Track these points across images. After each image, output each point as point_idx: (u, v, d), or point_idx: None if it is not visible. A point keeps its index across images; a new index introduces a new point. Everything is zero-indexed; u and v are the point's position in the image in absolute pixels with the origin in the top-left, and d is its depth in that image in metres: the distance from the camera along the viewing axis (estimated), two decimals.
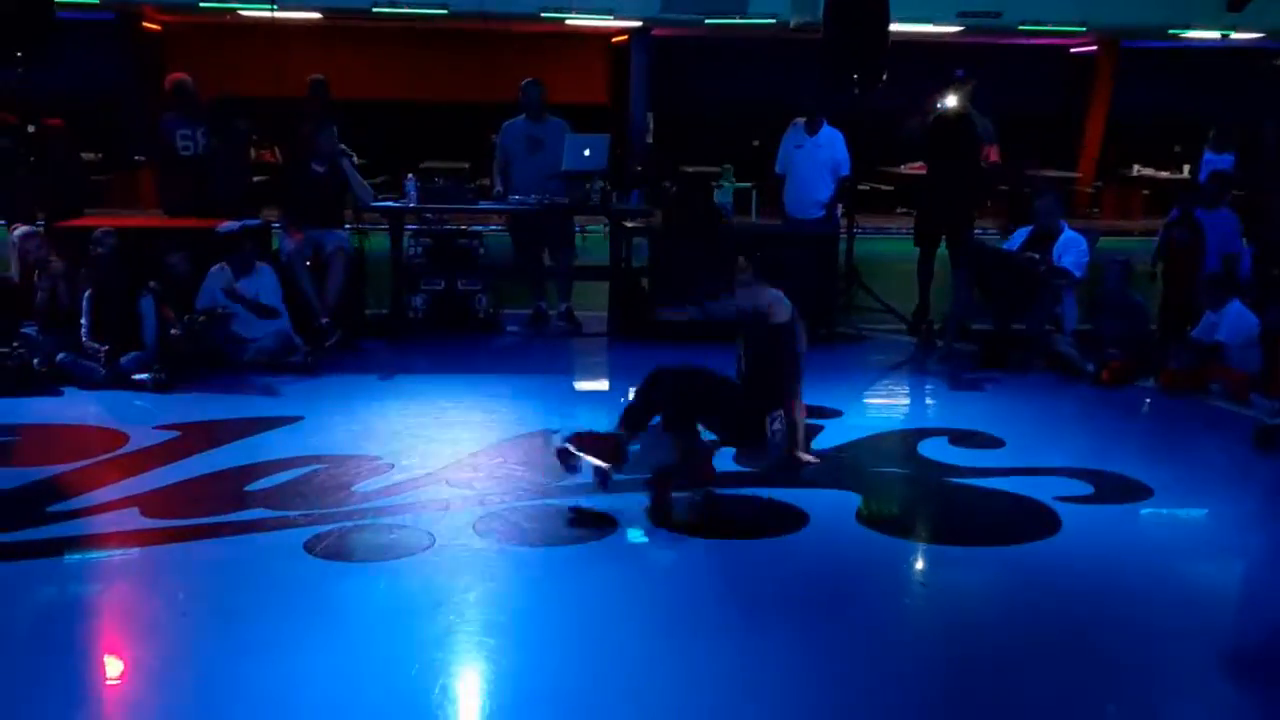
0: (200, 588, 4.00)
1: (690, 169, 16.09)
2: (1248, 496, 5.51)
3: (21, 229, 7.44)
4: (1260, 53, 16.62)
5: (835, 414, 6.37)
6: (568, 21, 15.92)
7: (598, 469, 4.85)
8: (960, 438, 5.96)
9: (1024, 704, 3.36)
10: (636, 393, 4.96)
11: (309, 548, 4.32)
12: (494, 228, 10.77)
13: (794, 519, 4.77)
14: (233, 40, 15.86)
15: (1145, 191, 17.26)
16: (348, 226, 8.30)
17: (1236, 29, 15.99)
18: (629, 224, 8.57)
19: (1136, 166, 17.66)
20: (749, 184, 15.24)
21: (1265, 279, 8.06)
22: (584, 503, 4.83)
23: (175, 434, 5.70)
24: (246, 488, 4.93)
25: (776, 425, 4.89)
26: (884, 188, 16.15)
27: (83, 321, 6.73)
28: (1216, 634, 3.96)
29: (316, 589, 4.03)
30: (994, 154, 17.54)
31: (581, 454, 4.87)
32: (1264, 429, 6.03)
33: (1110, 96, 18.04)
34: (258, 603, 3.89)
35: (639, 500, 4.82)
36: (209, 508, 4.69)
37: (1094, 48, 18.07)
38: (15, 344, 6.49)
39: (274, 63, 12.57)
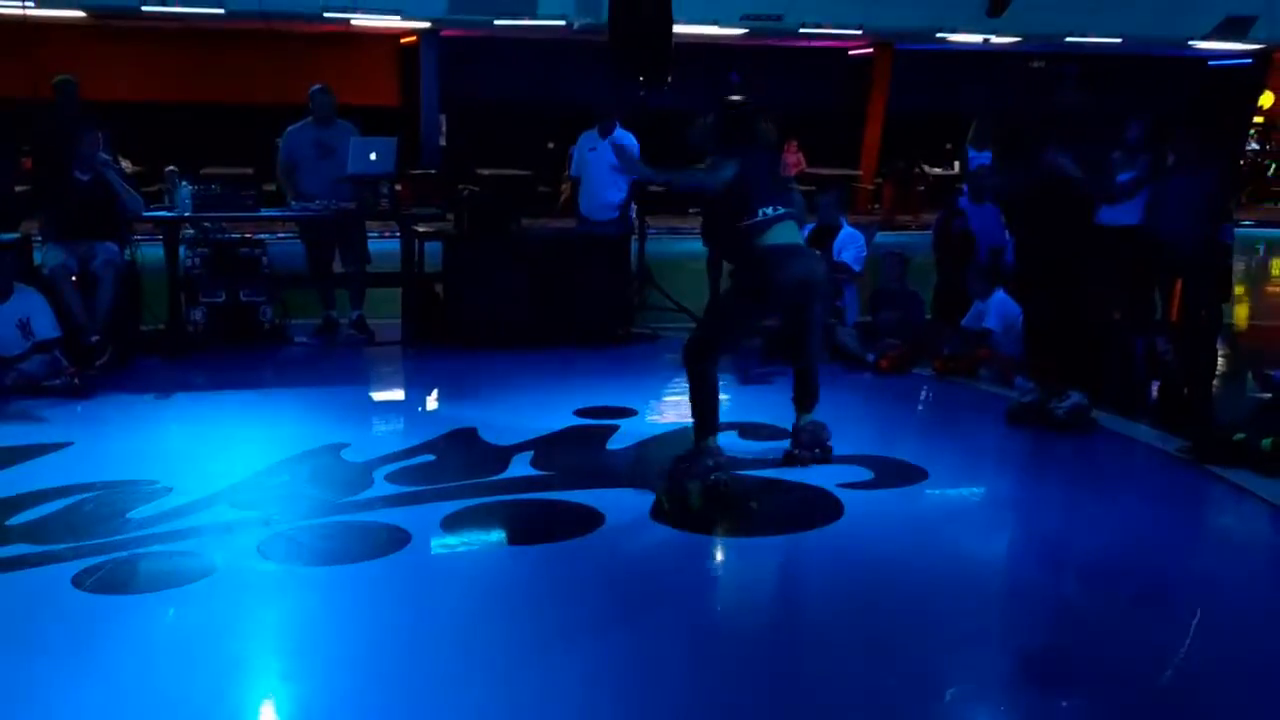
0: None
1: (487, 171, 16.01)
2: (1010, 472, 5.93)
3: None
4: (1018, 55, 17.83)
5: (631, 413, 6.46)
6: (353, 22, 15.57)
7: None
8: (749, 430, 6.14)
9: (812, 679, 3.49)
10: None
11: (78, 582, 4.06)
12: (280, 235, 10.44)
13: (591, 519, 4.80)
14: None
15: (921, 187, 18.20)
16: (135, 238, 7.86)
17: (997, 33, 17.12)
18: (421, 229, 8.44)
19: (921, 164, 18.53)
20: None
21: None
22: (374, 517, 4.73)
23: None
24: (7, 523, 4.60)
25: None
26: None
27: None
28: (987, 599, 4.21)
29: (88, 625, 3.79)
30: (793, 159, 17.88)
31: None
32: (1016, 407, 6.46)
33: (887, 96, 18.97)
34: (19, 644, 3.63)
35: (433, 510, 4.78)
36: None
37: (870, 50, 18.96)
38: None
39: (34, 63, 11.75)
